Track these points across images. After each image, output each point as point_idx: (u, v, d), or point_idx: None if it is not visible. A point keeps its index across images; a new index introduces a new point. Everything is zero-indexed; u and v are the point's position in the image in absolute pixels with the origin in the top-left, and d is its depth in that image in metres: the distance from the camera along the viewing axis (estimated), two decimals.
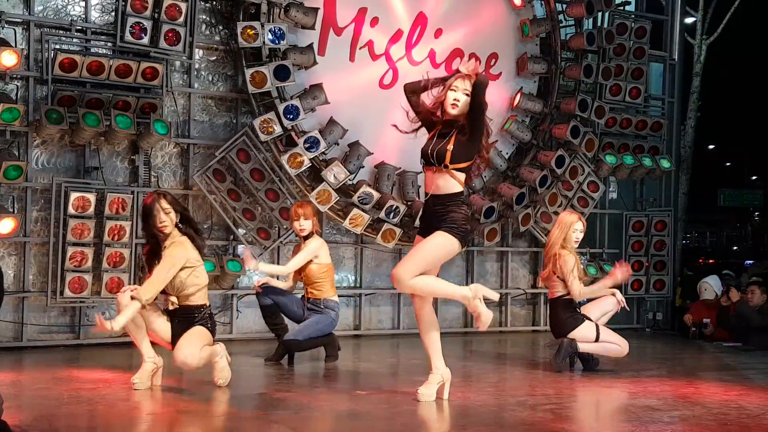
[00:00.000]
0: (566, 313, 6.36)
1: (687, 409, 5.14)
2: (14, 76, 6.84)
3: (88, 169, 7.13)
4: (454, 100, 4.83)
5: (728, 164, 32.71)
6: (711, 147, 29.20)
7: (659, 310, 9.98)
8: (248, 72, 7.40)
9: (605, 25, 9.26)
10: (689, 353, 8.14)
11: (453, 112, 4.84)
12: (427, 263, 4.85)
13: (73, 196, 6.77)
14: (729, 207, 26.39)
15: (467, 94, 4.82)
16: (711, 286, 9.56)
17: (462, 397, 5.05)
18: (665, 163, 9.61)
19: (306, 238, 6.46)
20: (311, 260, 6.41)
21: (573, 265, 6.30)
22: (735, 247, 27.86)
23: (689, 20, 13.74)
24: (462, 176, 4.87)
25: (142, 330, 5.30)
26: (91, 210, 6.83)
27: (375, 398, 5.24)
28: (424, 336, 5.02)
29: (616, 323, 7.06)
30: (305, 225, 6.41)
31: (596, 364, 6.48)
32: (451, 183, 4.85)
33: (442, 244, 4.82)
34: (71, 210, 6.77)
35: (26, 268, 6.95)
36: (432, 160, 4.86)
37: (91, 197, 6.84)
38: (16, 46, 6.79)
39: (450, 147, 4.79)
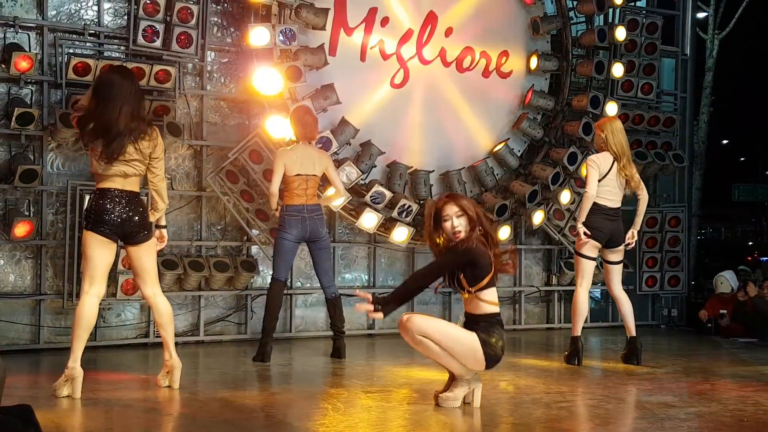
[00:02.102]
0: None
1: (703, 405, 5.13)
2: (29, 80, 6.89)
3: None
4: (454, 229, 4.85)
5: (742, 159, 32.53)
6: (724, 142, 29.07)
7: (674, 307, 9.95)
8: (260, 73, 7.42)
9: (616, 21, 9.24)
10: (705, 349, 8.11)
11: (463, 236, 4.84)
12: (445, 339, 4.79)
13: (88, 198, 6.80)
14: (743, 202, 26.23)
15: (460, 215, 4.84)
16: (727, 280, 9.56)
17: None
18: (678, 159, 9.58)
19: None
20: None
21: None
22: (750, 243, 27.70)
23: (701, 15, 13.69)
24: (490, 295, 4.87)
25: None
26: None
27: (388, 396, 5.25)
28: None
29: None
30: None
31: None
32: (482, 306, 4.87)
33: (470, 343, 4.79)
34: None
35: (42, 270, 7.00)
36: (457, 289, 4.95)
37: None
38: (30, 51, 6.85)
39: (461, 275, 4.85)
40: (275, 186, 6.57)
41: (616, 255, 6.79)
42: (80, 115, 5.17)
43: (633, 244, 6.89)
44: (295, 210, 6.58)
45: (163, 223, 5.41)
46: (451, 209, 4.86)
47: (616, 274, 6.83)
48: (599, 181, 6.58)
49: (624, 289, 6.95)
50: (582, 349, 6.67)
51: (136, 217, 5.13)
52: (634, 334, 6.74)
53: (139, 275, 5.33)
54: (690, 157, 10.38)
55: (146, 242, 5.22)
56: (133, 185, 5.16)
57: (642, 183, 6.80)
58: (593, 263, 6.76)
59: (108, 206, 5.05)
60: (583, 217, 6.59)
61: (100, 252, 5.08)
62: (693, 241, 10.81)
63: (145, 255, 5.24)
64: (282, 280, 6.71)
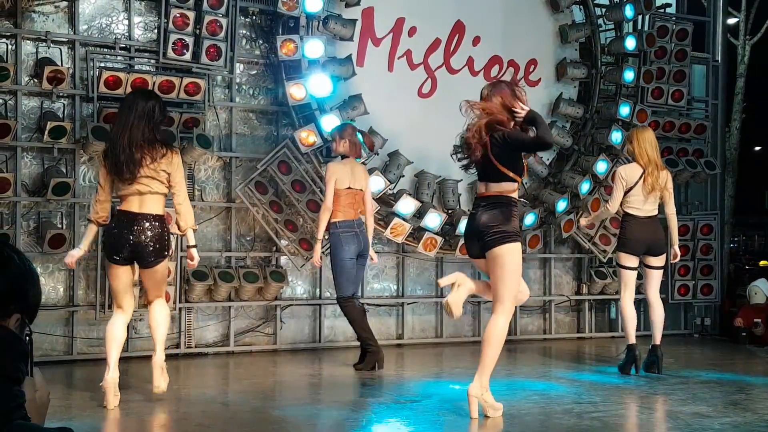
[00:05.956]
0: None
1: (738, 415, 5.05)
2: (61, 94, 6.99)
3: None
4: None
5: None
6: (757, 149, 28.67)
7: (707, 315, 9.81)
8: (288, 85, 7.48)
9: (646, 28, 9.17)
10: (739, 359, 7.99)
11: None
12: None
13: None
14: None
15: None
16: (761, 290, 9.43)
17: (507, 405, 5.02)
18: (710, 166, 9.47)
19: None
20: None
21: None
22: None
23: (731, 21, 13.55)
24: None
25: None
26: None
27: (419, 406, 5.24)
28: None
29: (663, 329, 6.96)
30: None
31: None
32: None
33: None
34: None
35: (75, 282, 7.08)
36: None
37: None
38: (62, 65, 6.95)
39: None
40: (330, 200, 6.57)
41: (658, 261, 6.80)
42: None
43: (678, 258, 7.11)
44: (349, 225, 6.61)
45: (191, 242, 5.35)
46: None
47: (654, 279, 6.83)
48: (630, 190, 6.62)
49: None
50: (639, 357, 6.62)
51: (150, 242, 5.11)
52: (658, 342, 6.70)
53: (146, 289, 5.43)
54: (722, 165, 10.25)
55: (158, 265, 5.21)
56: (151, 206, 5.14)
57: (671, 197, 6.79)
58: (634, 273, 6.77)
59: (121, 233, 5.10)
60: (591, 219, 7.07)
61: (116, 278, 5.20)
62: (726, 249, 10.67)
63: (158, 274, 5.26)
64: (350, 296, 6.69)
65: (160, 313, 5.35)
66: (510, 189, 4.88)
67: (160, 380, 5.29)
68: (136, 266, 5.24)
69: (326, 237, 6.82)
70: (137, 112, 5.11)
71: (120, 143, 5.06)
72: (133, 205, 5.11)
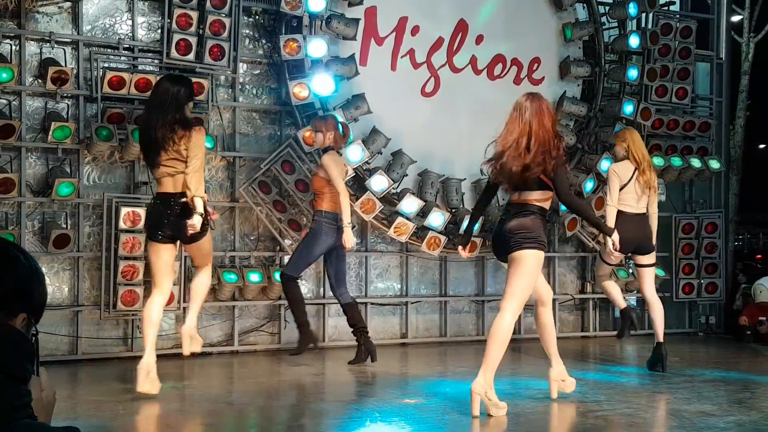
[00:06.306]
0: None
1: (743, 414, 5.05)
2: (65, 95, 7.00)
3: (138, 185, 7.25)
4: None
5: None
6: (761, 146, 28.61)
7: (711, 314, 9.80)
8: (291, 84, 7.49)
9: (650, 26, 9.16)
10: (744, 357, 7.98)
11: None
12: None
13: (124, 211, 6.90)
14: None
15: None
16: (767, 288, 9.40)
17: (511, 404, 5.02)
18: (714, 164, 9.44)
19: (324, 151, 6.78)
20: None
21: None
22: None
23: (736, 18, 13.51)
24: None
25: None
26: (142, 224, 6.96)
27: (424, 406, 5.24)
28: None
29: (668, 327, 6.97)
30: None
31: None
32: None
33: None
34: (122, 225, 6.89)
35: (80, 282, 7.09)
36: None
37: (141, 212, 6.94)
38: (66, 66, 6.96)
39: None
40: (344, 186, 6.70)
41: (648, 258, 6.84)
42: None
43: None
44: (333, 218, 6.69)
45: (198, 210, 5.36)
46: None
47: (648, 277, 6.88)
48: (623, 188, 6.71)
49: (660, 297, 6.89)
50: (633, 319, 7.04)
51: (187, 219, 5.33)
52: (661, 340, 6.71)
53: (191, 257, 5.90)
54: (726, 162, 10.23)
55: (199, 240, 5.48)
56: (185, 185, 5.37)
57: (656, 197, 6.93)
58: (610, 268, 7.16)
59: (160, 212, 5.41)
60: (611, 226, 6.59)
61: (158, 256, 5.47)
62: (730, 247, 10.65)
63: (200, 247, 5.56)
64: (298, 276, 6.91)
65: (199, 279, 5.71)
66: (544, 198, 5.07)
67: (191, 347, 5.64)
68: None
69: (310, 225, 6.96)
70: (160, 96, 5.44)
71: (145, 129, 5.45)
72: (167, 186, 5.42)
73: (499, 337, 4.84)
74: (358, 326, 6.83)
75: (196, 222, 5.37)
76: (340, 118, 7.22)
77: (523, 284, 4.93)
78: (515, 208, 5.06)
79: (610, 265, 7.06)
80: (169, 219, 5.35)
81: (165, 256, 5.46)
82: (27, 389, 1.87)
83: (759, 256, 18.75)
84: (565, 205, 5.19)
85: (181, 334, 5.76)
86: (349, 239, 6.67)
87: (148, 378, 5.21)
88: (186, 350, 5.66)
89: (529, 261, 4.92)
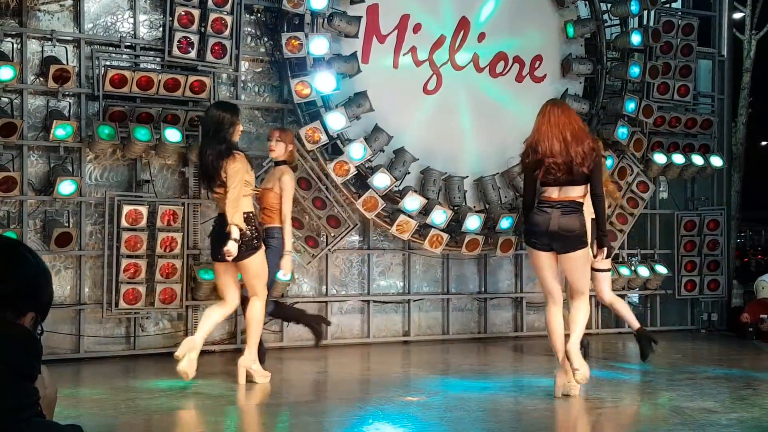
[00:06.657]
0: None
1: (745, 411, 5.05)
2: (66, 93, 7.00)
3: (140, 183, 7.26)
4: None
5: None
6: (763, 143, 28.60)
7: (714, 311, 9.79)
8: (293, 82, 7.49)
9: (651, 23, 9.15)
10: (746, 354, 7.98)
11: None
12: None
13: (126, 209, 6.90)
14: None
15: None
16: None
17: (514, 401, 5.03)
18: (716, 161, 9.44)
19: (277, 164, 6.56)
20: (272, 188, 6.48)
21: None
22: None
23: (737, 16, 13.51)
24: None
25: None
26: (144, 222, 6.96)
27: (427, 403, 5.24)
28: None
29: (670, 324, 6.98)
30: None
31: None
32: None
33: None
34: (124, 223, 6.90)
35: (82, 280, 7.10)
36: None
37: (143, 210, 6.96)
38: (67, 64, 6.96)
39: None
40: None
41: (604, 263, 6.93)
42: None
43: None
44: (279, 232, 6.41)
45: (233, 236, 5.63)
46: None
47: (605, 282, 7.10)
48: None
49: (662, 294, 6.93)
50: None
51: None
52: (637, 325, 7.06)
53: (244, 282, 5.98)
54: (728, 160, 10.22)
55: (245, 260, 5.73)
56: None
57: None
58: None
59: (218, 234, 5.79)
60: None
61: (217, 274, 5.99)
62: (732, 245, 10.65)
63: (248, 270, 5.81)
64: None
65: (249, 312, 5.90)
66: (583, 194, 5.37)
67: (242, 378, 5.81)
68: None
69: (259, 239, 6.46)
70: (206, 125, 5.88)
71: (199, 156, 5.92)
72: (220, 208, 5.84)
73: (583, 323, 5.59)
74: (299, 319, 6.99)
75: (231, 248, 5.63)
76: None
77: (586, 279, 5.54)
78: (558, 204, 5.31)
79: (599, 271, 6.92)
80: (222, 240, 5.66)
81: (221, 275, 5.87)
82: (35, 387, 1.89)
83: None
84: (594, 197, 5.35)
85: (237, 365, 5.87)
86: (288, 268, 6.44)
87: (189, 359, 5.70)
88: (239, 380, 5.80)
89: (586, 258, 5.46)
